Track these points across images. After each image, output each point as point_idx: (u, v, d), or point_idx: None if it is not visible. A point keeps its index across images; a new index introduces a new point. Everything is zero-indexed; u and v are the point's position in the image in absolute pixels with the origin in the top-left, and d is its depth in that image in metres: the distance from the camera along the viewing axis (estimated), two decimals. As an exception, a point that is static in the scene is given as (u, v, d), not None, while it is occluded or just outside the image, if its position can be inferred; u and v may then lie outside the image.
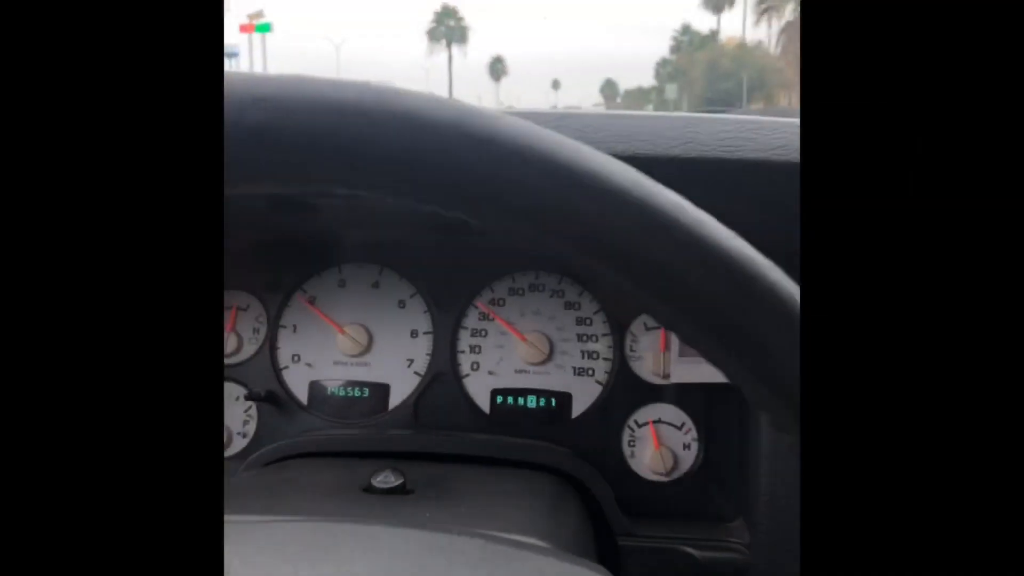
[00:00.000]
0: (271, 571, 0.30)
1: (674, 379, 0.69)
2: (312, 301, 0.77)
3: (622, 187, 0.22)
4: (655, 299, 0.22)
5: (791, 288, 0.22)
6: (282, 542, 0.34)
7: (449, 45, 62.05)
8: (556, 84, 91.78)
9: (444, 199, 0.23)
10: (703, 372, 0.68)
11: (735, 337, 0.22)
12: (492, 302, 0.75)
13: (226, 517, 0.41)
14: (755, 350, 0.22)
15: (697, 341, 0.23)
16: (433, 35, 63.45)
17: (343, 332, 0.74)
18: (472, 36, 63.56)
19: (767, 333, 0.22)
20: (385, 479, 0.52)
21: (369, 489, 0.52)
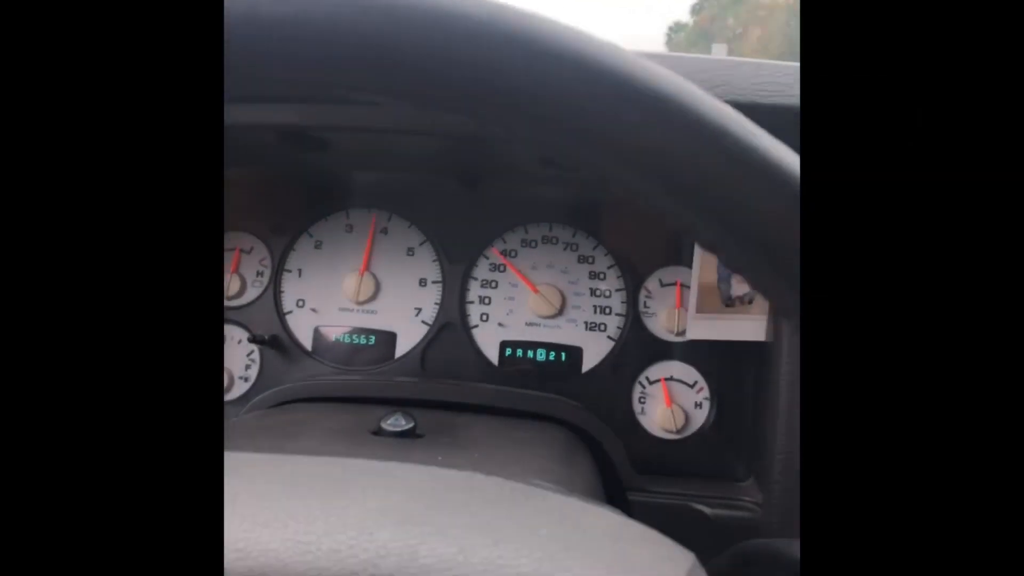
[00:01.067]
0: (281, 504, 0.29)
1: (689, 336, 0.67)
2: (318, 245, 0.74)
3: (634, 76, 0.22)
4: (659, 185, 0.22)
5: (793, 169, 0.22)
6: (293, 477, 0.33)
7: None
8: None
9: (459, 101, 0.22)
10: (718, 329, 0.66)
11: (743, 223, 0.22)
12: (504, 253, 0.73)
13: (235, 452, 0.40)
14: (762, 236, 0.22)
15: (702, 228, 0.23)
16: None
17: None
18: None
19: (772, 218, 0.22)
20: (395, 422, 0.51)
21: (379, 432, 0.51)
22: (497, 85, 0.21)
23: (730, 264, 0.24)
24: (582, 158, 0.23)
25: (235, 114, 0.55)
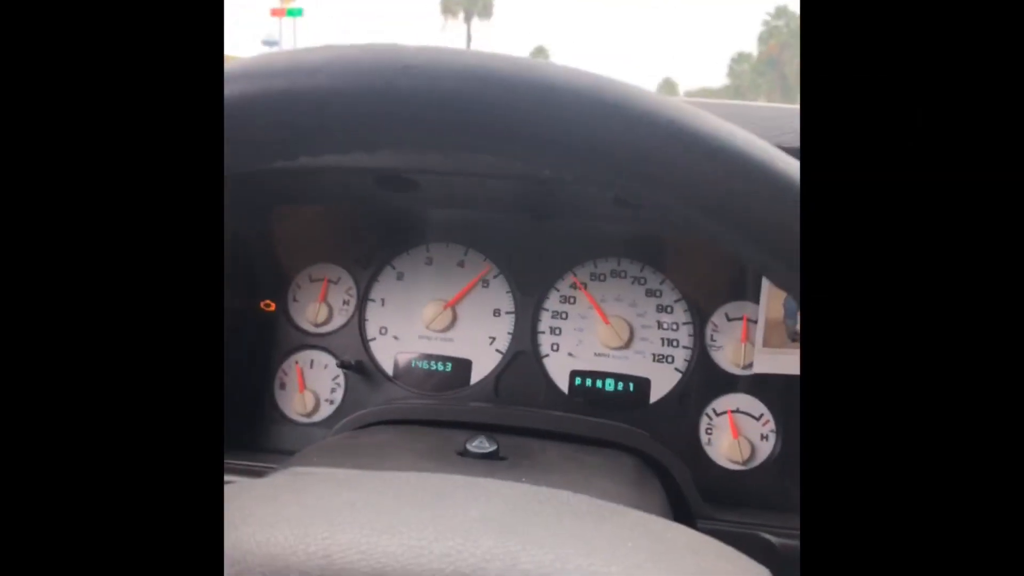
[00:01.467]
0: (394, 513, 0.32)
1: (756, 369, 0.69)
2: (400, 277, 0.79)
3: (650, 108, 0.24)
4: (734, 233, 0.24)
5: (792, 167, 0.23)
6: (397, 489, 0.36)
7: (468, 20, 50.79)
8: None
9: (562, 161, 0.25)
10: (784, 364, 0.68)
11: (744, 218, 0.24)
12: (574, 286, 0.76)
13: (339, 469, 0.43)
14: (762, 228, 0.24)
15: (773, 267, 0.25)
16: (447, 6, 51.53)
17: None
18: (497, 10, 51.84)
19: (772, 212, 0.23)
20: (480, 444, 0.54)
21: (464, 453, 0.54)
22: (596, 153, 0.25)
23: (758, 268, 0.26)
24: (665, 206, 0.26)
25: (341, 159, 0.60)
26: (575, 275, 0.76)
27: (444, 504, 0.33)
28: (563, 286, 0.77)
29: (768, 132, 0.53)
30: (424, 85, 0.24)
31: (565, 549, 0.29)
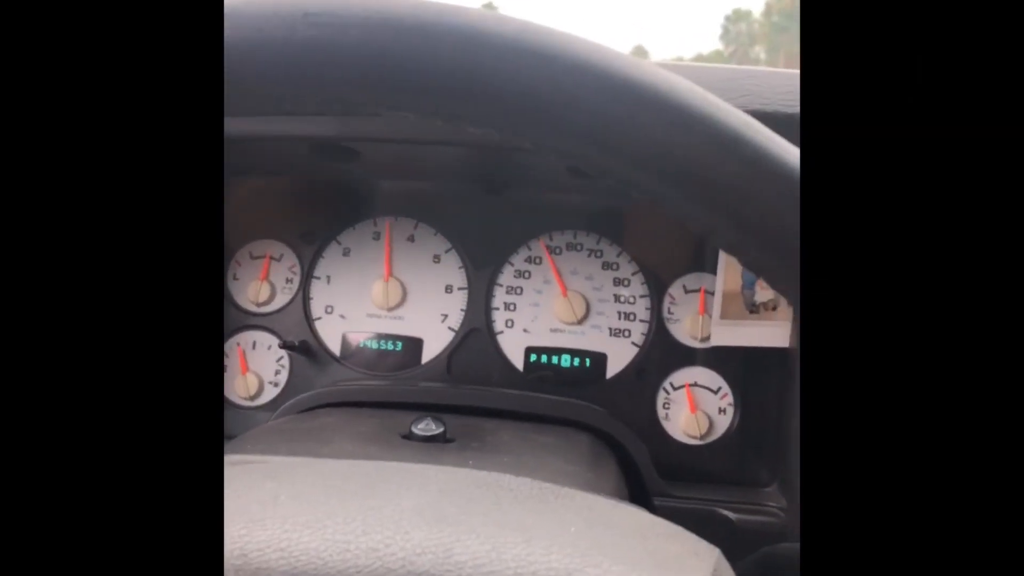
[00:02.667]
0: (320, 505, 0.30)
1: (713, 342, 0.68)
2: (346, 253, 0.76)
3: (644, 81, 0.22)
4: (681, 192, 0.23)
5: (792, 159, 0.22)
6: (329, 479, 0.34)
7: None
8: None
9: (496, 119, 0.23)
10: (742, 336, 0.67)
11: (761, 226, 0.23)
12: (528, 260, 0.74)
13: (273, 457, 0.41)
14: (762, 220, 0.23)
15: (723, 231, 0.24)
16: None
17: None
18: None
19: (773, 205, 0.22)
20: (426, 426, 0.52)
21: (409, 436, 0.52)
22: (525, 101, 0.22)
23: (750, 265, 0.25)
24: (608, 169, 0.23)
25: (266, 126, 0.56)
26: (530, 248, 0.74)
27: (375, 494, 0.31)
28: (518, 260, 0.74)
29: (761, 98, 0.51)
30: (327, 35, 0.21)
31: (503, 538, 0.27)
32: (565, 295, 0.72)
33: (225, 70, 0.22)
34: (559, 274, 0.73)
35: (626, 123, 0.22)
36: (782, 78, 0.53)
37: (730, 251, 0.25)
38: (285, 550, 0.25)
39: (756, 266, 0.24)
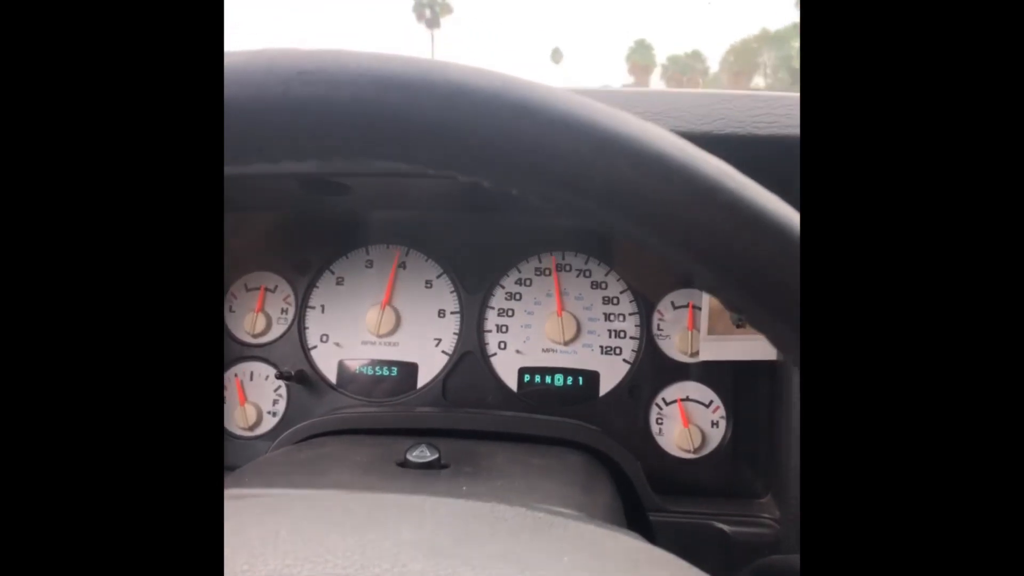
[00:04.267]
0: (320, 539, 0.30)
1: (703, 357, 0.69)
2: (340, 282, 0.77)
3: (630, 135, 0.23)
4: (660, 239, 0.23)
5: (792, 219, 0.23)
6: (326, 512, 0.35)
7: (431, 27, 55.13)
8: (556, 55, 64.56)
9: (483, 169, 0.24)
10: (732, 350, 0.68)
11: (742, 272, 0.23)
12: (519, 282, 0.75)
13: (268, 490, 0.42)
14: (760, 278, 0.23)
15: (703, 275, 0.24)
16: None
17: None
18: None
19: (772, 263, 0.23)
20: (420, 454, 0.53)
21: (404, 464, 0.53)
22: (509, 153, 0.23)
23: (729, 306, 0.26)
24: (592, 216, 0.24)
25: (257, 166, 0.57)
26: (519, 271, 0.75)
27: (374, 527, 0.32)
28: (508, 282, 0.75)
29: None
30: (321, 93, 0.22)
31: (497, 570, 0.28)
32: (561, 314, 0.73)
33: (225, 125, 0.23)
34: (538, 302, 0.74)
35: (608, 174, 0.23)
36: (756, 101, 0.55)
37: (715, 295, 0.25)
38: None
39: (741, 310, 0.25)
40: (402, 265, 0.77)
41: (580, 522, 0.37)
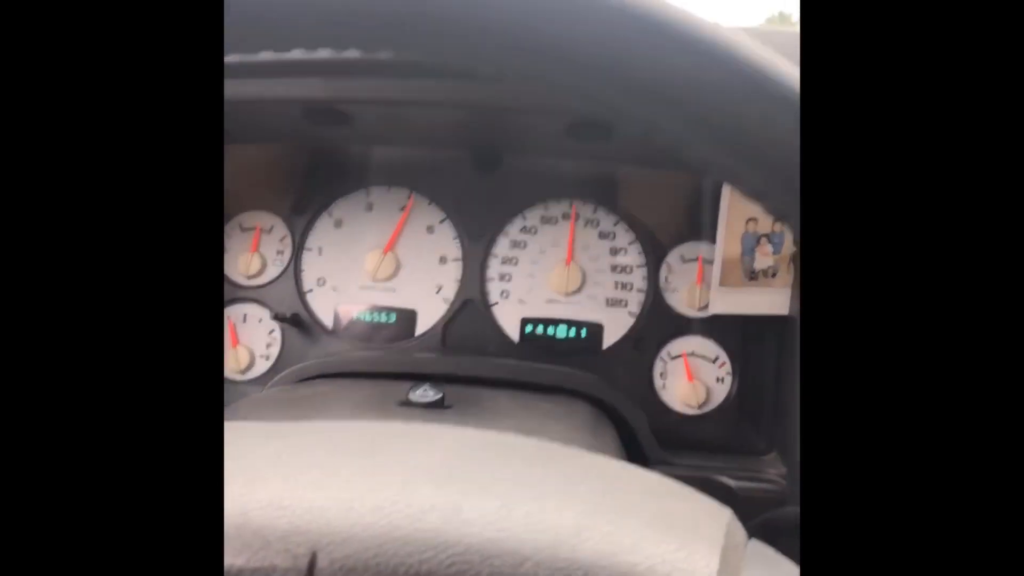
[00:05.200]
0: (323, 464, 0.29)
1: (712, 310, 0.67)
2: (338, 224, 0.75)
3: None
4: (659, 104, 0.22)
5: (791, 82, 0.22)
6: (332, 440, 0.33)
7: None
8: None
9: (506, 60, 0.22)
10: (742, 303, 0.66)
11: (743, 135, 0.22)
12: (524, 230, 0.73)
13: (269, 423, 0.40)
14: (760, 142, 0.22)
15: (703, 142, 0.23)
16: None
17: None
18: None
19: (772, 128, 0.22)
20: (424, 393, 0.51)
21: (407, 403, 0.51)
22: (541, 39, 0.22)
23: (749, 192, 0.24)
24: (619, 103, 0.23)
25: (260, 88, 0.55)
26: (525, 218, 0.73)
27: (380, 453, 0.30)
28: (513, 230, 0.73)
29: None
30: None
31: (512, 495, 0.26)
32: (569, 264, 0.71)
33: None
34: (541, 252, 0.72)
35: (626, 48, 0.22)
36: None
37: (726, 178, 0.24)
38: (287, 508, 0.24)
39: (755, 192, 0.24)
40: (403, 209, 0.74)
41: (595, 455, 0.36)
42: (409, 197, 0.74)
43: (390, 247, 0.73)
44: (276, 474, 0.27)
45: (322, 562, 0.23)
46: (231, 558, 0.23)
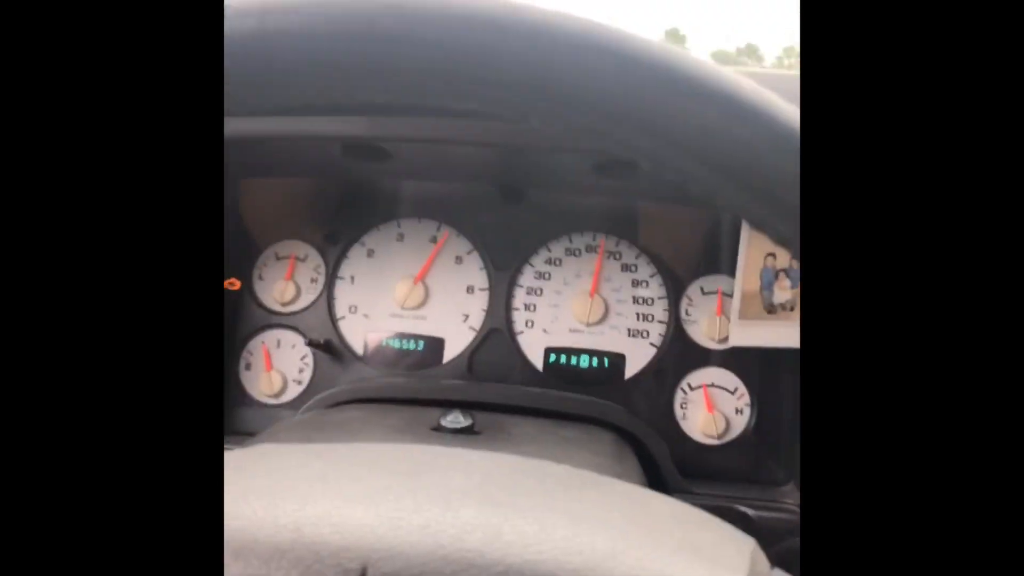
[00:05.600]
0: (370, 483, 0.30)
1: (732, 342, 0.69)
2: (370, 254, 0.77)
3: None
4: (659, 140, 0.23)
5: (791, 117, 0.23)
6: (376, 459, 0.34)
7: None
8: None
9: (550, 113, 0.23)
10: (760, 336, 0.68)
11: (745, 169, 0.23)
12: (548, 261, 0.75)
13: (311, 444, 0.42)
14: (761, 177, 0.23)
15: (705, 176, 0.24)
16: None
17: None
18: None
19: (773, 163, 0.23)
20: (455, 419, 0.53)
21: (438, 428, 0.53)
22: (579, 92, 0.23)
23: (755, 224, 0.25)
24: (660, 165, 0.24)
25: (302, 125, 0.58)
26: (550, 250, 0.75)
27: (422, 474, 0.32)
28: (538, 262, 0.76)
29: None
30: (407, 28, 0.22)
31: (549, 520, 0.27)
32: (593, 296, 0.73)
33: (301, 58, 0.23)
34: (567, 283, 0.74)
35: (638, 94, 0.23)
36: None
37: (775, 239, 0.25)
38: (338, 525, 0.25)
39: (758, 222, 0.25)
40: (433, 239, 0.77)
41: (625, 483, 0.37)
42: (439, 228, 0.77)
43: (421, 277, 0.76)
44: (326, 492, 0.28)
45: None
46: (285, 572, 0.24)
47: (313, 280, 0.78)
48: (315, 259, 0.78)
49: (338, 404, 0.66)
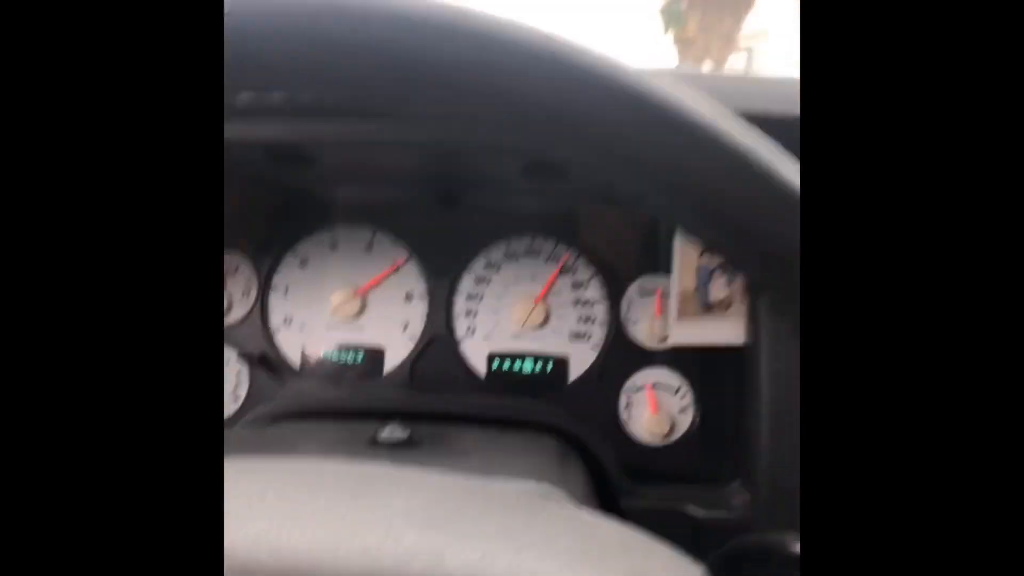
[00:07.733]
0: (309, 504, 0.29)
1: (671, 342, 0.69)
2: (304, 263, 0.75)
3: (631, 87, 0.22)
4: (659, 188, 0.23)
5: (791, 172, 0.23)
6: (313, 478, 0.33)
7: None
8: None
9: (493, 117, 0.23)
10: (699, 334, 0.68)
11: (741, 222, 0.23)
12: (488, 266, 0.74)
13: (252, 459, 0.40)
14: (760, 232, 0.23)
15: (703, 227, 0.24)
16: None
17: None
18: None
19: (771, 216, 0.23)
20: (392, 432, 0.51)
21: (375, 442, 0.52)
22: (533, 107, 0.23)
23: (732, 263, 0.25)
24: (598, 170, 0.24)
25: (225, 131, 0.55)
26: (488, 255, 0.74)
27: (363, 495, 0.31)
28: (477, 267, 0.74)
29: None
30: (353, 27, 0.22)
31: (493, 545, 0.27)
32: (538, 302, 0.72)
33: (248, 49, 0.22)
34: (504, 287, 0.73)
35: (631, 132, 0.23)
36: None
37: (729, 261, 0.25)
38: (275, 549, 0.25)
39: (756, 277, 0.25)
40: (368, 247, 0.75)
41: (571, 507, 0.37)
42: (374, 235, 0.75)
43: (364, 291, 0.74)
44: (262, 513, 0.27)
45: None
46: None
47: (245, 292, 0.75)
48: (246, 270, 0.75)
49: (275, 420, 0.64)
